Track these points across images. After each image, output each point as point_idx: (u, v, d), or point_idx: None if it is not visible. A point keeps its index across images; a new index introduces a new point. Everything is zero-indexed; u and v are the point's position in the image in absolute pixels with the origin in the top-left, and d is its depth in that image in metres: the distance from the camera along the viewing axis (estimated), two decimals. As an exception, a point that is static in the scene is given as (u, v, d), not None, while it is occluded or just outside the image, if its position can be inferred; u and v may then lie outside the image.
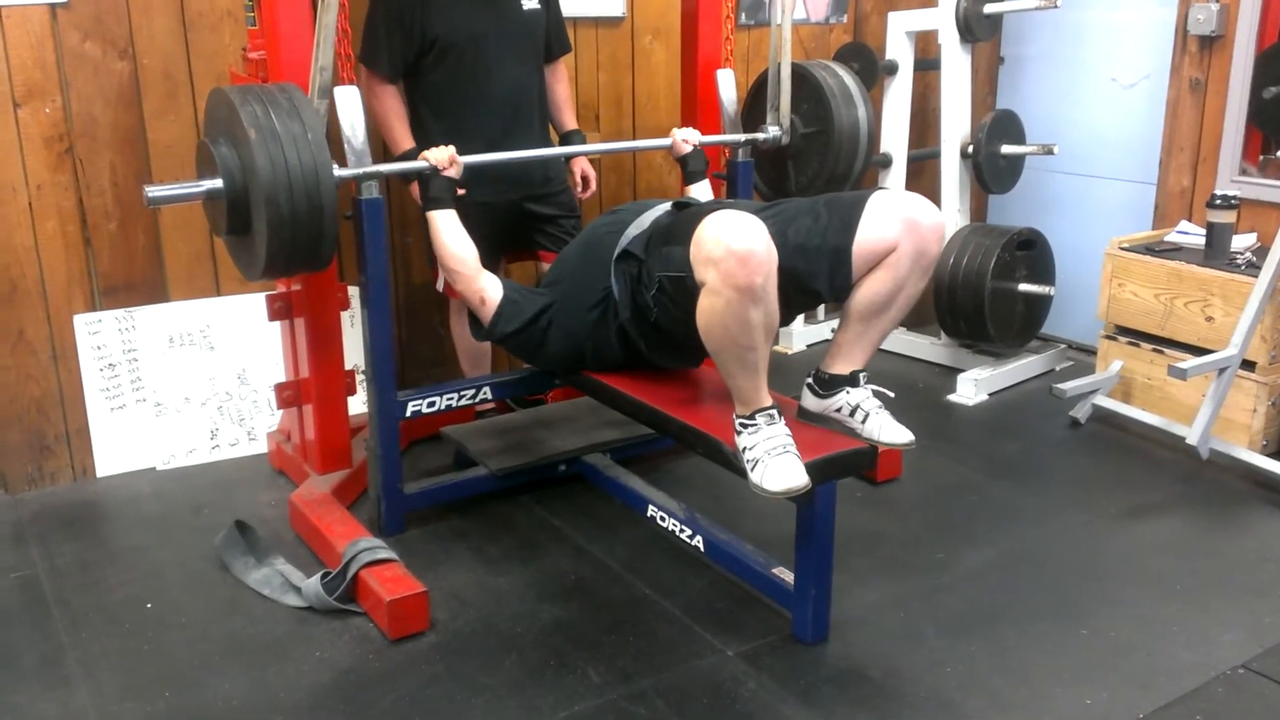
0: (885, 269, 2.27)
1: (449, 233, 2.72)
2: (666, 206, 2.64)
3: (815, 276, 2.30)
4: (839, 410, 2.37)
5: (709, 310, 2.10)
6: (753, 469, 2.16)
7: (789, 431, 2.19)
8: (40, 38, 2.98)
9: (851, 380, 2.36)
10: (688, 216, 2.39)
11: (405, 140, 3.03)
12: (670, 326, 2.45)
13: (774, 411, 2.20)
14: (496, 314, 2.70)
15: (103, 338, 3.22)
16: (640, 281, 2.48)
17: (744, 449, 2.20)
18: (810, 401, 2.43)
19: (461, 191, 2.77)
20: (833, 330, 2.50)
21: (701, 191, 3.06)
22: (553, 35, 3.26)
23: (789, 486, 2.10)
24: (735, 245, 2.01)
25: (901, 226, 2.25)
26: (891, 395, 2.41)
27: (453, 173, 2.72)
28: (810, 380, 2.42)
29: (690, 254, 2.14)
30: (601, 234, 2.68)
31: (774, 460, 2.14)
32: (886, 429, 2.33)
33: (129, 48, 3.11)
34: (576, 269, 2.71)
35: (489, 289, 2.70)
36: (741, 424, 2.21)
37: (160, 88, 3.17)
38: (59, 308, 3.15)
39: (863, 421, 2.34)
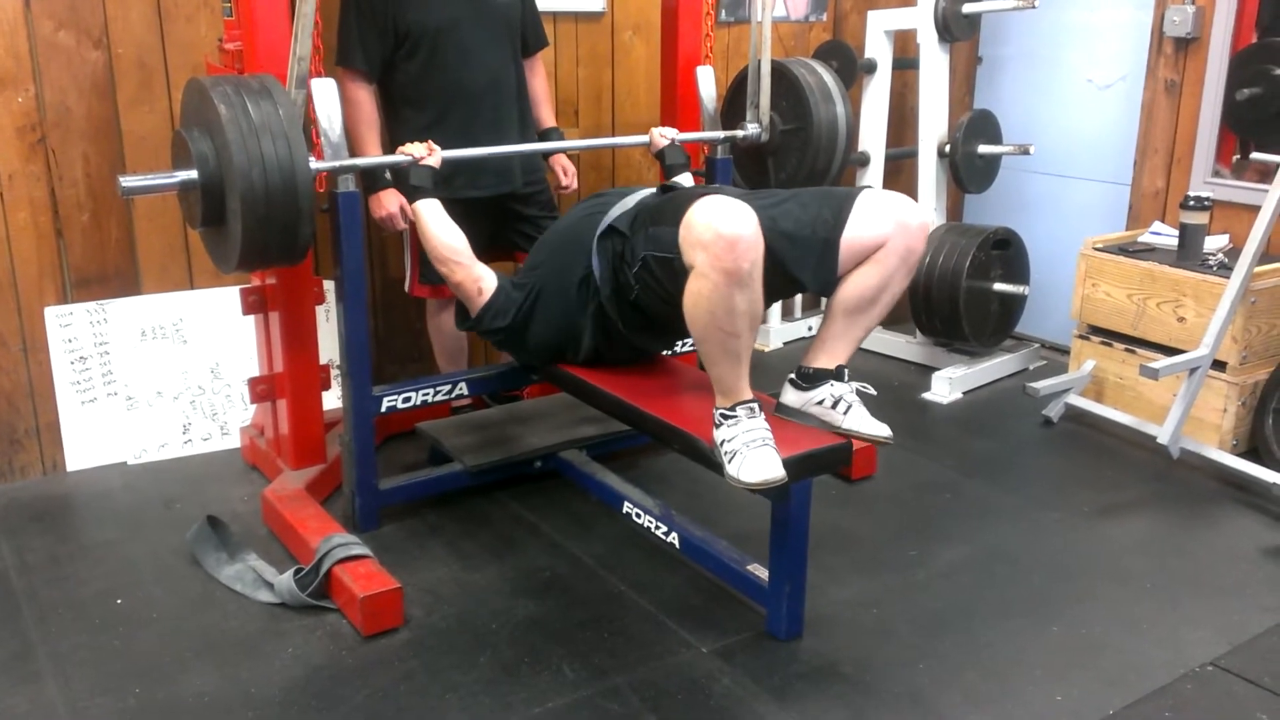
0: (873, 264, 2.31)
1: (437, 223, 2.70)
2: (652, 190, 2.64)
3: (801, 265, 2.32)
4: (820, 403, 2.38)
5: (695, 294, 2.11)
6: (730, 461, 2.17)
7: (768, 426, 2.20)
8: (13, 26, 2.95)
9: (836, 374, 2.39)
10: (679, 198, 2.39)
11: (373, 151, 3.01)
12: (650, 305, 2.44)
13: (755, 405, 2.21)
14: (488, 305, 2.67)
15: (74, 330, 3.19)
16: (623, 259, 2.47)
17: (722, 441, 2.20)
18: (791, 396, 2.43)
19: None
20: (810, 328, 2.52)
21: (685, 184, 3.05)
22: (529, 28, 3.25)
23: (765, 479, 2.11)
24: (725, 229, 2.03)
25: (892, 224, 2.29)
26: (874, 392, 2.42)
27: (432, 162, 2.71)
28: (793, 376, 2.44)
29: (680, 236, 2.15)
30: (583, 216, 2.66)
31: (752, 452, 2.14)
32: (867, 423, 2.35)
33: (103, 37, 3.08)
34: (557, 252, 2.69)
35: (485, 278, 2.69)
36: (722, 416, 2.21)
37: (135, 78, 3.14)
38: (30, 300, 3.12)
39: (844, 414, 2.36)
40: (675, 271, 2.21)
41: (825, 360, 2.40)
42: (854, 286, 2.33)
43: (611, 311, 2.56)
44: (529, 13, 3.25)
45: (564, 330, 2.68)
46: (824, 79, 3.35)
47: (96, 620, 2.49)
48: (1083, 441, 3.59)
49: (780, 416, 2.43)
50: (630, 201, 2.59)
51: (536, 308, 2.68)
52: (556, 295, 2.66)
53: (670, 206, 2.38)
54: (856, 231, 2.30)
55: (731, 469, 2.16)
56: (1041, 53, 4.42)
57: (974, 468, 3.38)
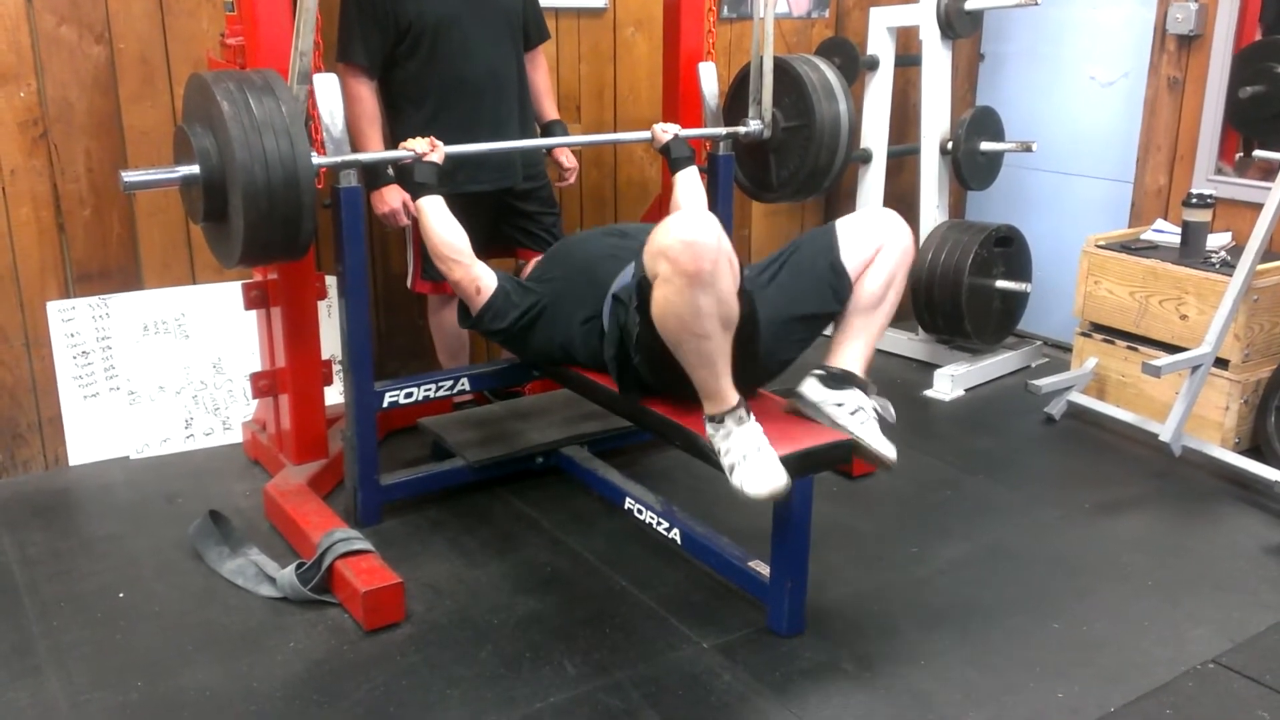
0: (876, 265, 2.41)
1: (439, 220, 2.70)
2: None
3: (824, 298, 2.40)
4: (841, 405, 2.36)
5: (662, 301, 2.12)
6: (732, 473, 2.17)
7: (760, 428, 2.20)
8: (15, 21, 2.94)
9: (864, 386, 2.40)
10: None
11: (375, 147, 3.00)
12: (645, 376, 2.40)
13: (742, 411, 2.20)
14: (487, 305, 2.68)
15: (76, 325, 3.19)
16: (624, 328, 2.41)
17: (719, 451, 2.20)
18: (814, 390, 2.40)
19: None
20: (825, 335, 2.51)
21: (690, 178, 3.05)
22: (530, 21, 3.24)
23: (773, 489, 2.12)
24: (683, 234, 2.06)
25: (879, 229, 2.42)
26: (893, 417, 2.44)
27: (435, 157, 2.71)
28: (819, 371, 2.42)
29: (645, 254, 2.16)
30: (604, 254, 2.64)
31: (752, 462, 2.14)
32: (878, 439, 2.35)
33: (105, 32, 3.08)
34: (571, 277, 2.68)
35: (484, 278, 2.69)
36: (713, 426, 2.21)
37: (137, 73, 3.14)
38: (32, 294, 3.12)
39: (860, 424, 2.34)
40: (646, 298, 2.19)
41: (850, 362, 2.42)
42: (864, 288, 2.41)
43: (611, 370, 2.51)
44: (530, 6, 3.24)
45: (563, 350, 2.69)
46: (826, 76, 3.35)
47: (98, 614, 2.49)
48: (1084, 439, 3.59)
49: (794, 406, 2.42)
50: None
51: (540, 321, 2.69)
52: (561, 320, 2.66)
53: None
54: (851, 248, 2.40)
55: (735, 480, 2.16)
56: (1044, 50, 4.41)
57: (975, 465, 3.38)
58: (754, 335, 2.33)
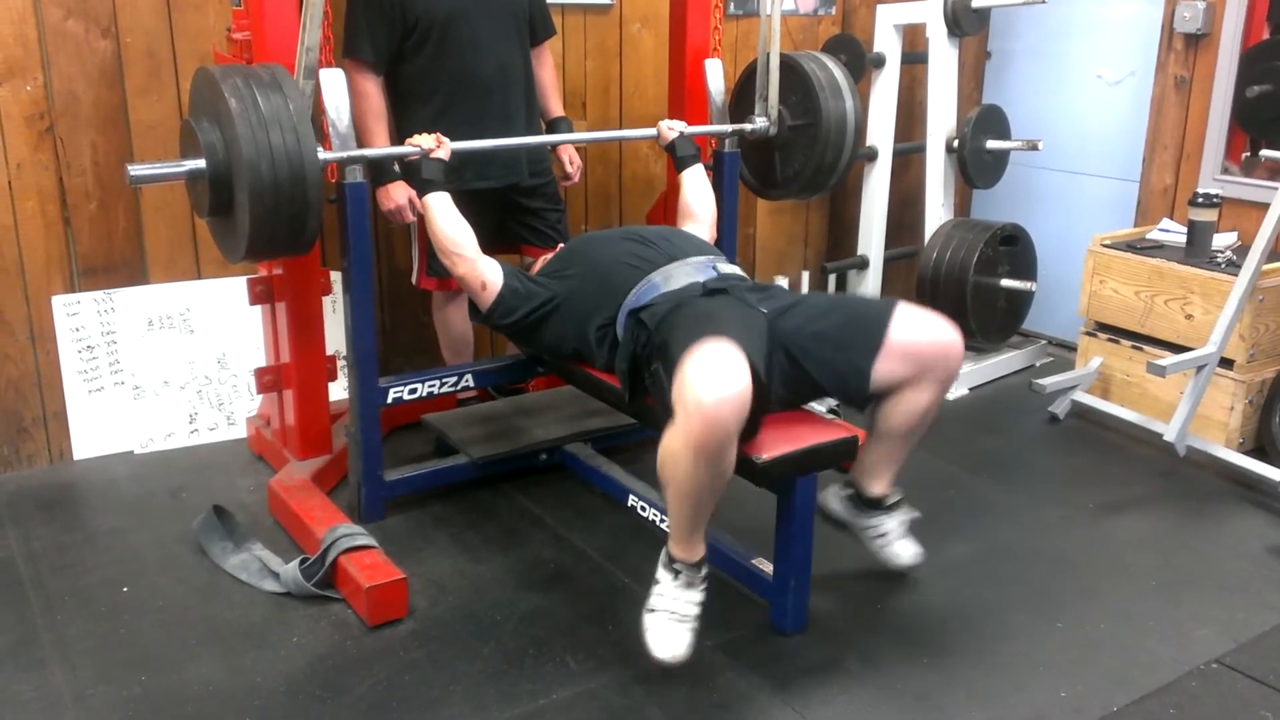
0: (919, 391, 2.37)
1: (444, 216, 2.70)
2: (699, 280, 2.51)
3: (832, 388, 2.39)
4: (867, 528, 2.56)
5: (666, 447, 2.09)
6: (650, 613, 2.24)
7: (701, 600, 2.25)
8: (22, 14, 2.95)
9: (893, 506, 2.54)
10: (694, 326, 2.22)
11: (381, 143, 2.99)
12: (658, 396, 2.38)
13: (701, 573, 2.25)
14: (496, 301, 2.67)
15: (81, 319, 3.19)
16: (643, 348, 2.40)
17: (657, 583, 2.26)
18: (841, 510, 2.57)
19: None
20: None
21: (696, 176, 3.04)
22: (536, 17, 3.24)
23: (670, 657, 2.19)
24: (706, 400, 1.98)
25: (932, 355, 2.35)
26: (919, 516, 2.60)
27: (441, 154, 2.71)
28: (850, 491, 2.54)
29: (673, 381, 2.09)
30: (623, 260, 2.61)
31: (669, 625, 2.21)
32: (898, 555, 2.57)
33: (112, 26, 3.08)
34: (587, 277, 2.66)
35: (489, 274, 2.68)
36: (667, 568, 2.26)
37: (143, 67, 3.14)
38: (37, 288, 3.12)
39: (884, 546, 2.56)
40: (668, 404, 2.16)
41: (881, 486, 2.54)
42: (906, 414, 2.40)
43: (622, 381, 2.50)
44: (536, 2, 3.24)
45: (575, 349, 2.68)
46: (833, 73, 3.34)
47: (102, 608, 2.50)
48: (1089, 438, 3.58)
49: (820, 512, 2.54)
50: (675, 283, 2.50)
51: (552, 318, 2.67)
52: (574, 320, 2.65)
53: (682, 335, 2.21)
54: (890, 358, 2.33)
55: (646, 622, 2.23)
56: (1051, 48, 4.40)
57: (979, 464, 3.37)
58: (764, 395, 2.25)
